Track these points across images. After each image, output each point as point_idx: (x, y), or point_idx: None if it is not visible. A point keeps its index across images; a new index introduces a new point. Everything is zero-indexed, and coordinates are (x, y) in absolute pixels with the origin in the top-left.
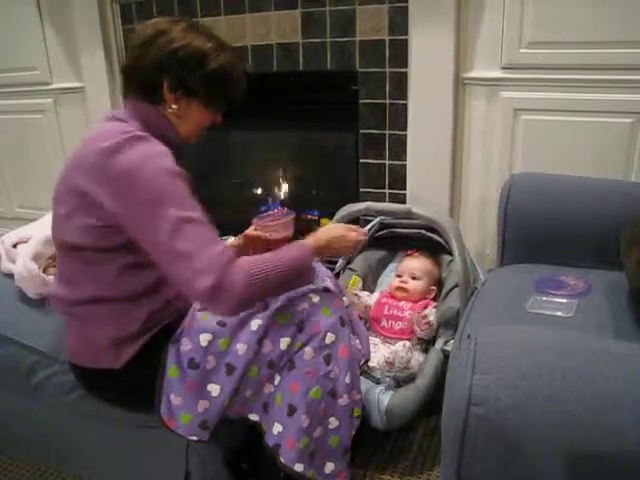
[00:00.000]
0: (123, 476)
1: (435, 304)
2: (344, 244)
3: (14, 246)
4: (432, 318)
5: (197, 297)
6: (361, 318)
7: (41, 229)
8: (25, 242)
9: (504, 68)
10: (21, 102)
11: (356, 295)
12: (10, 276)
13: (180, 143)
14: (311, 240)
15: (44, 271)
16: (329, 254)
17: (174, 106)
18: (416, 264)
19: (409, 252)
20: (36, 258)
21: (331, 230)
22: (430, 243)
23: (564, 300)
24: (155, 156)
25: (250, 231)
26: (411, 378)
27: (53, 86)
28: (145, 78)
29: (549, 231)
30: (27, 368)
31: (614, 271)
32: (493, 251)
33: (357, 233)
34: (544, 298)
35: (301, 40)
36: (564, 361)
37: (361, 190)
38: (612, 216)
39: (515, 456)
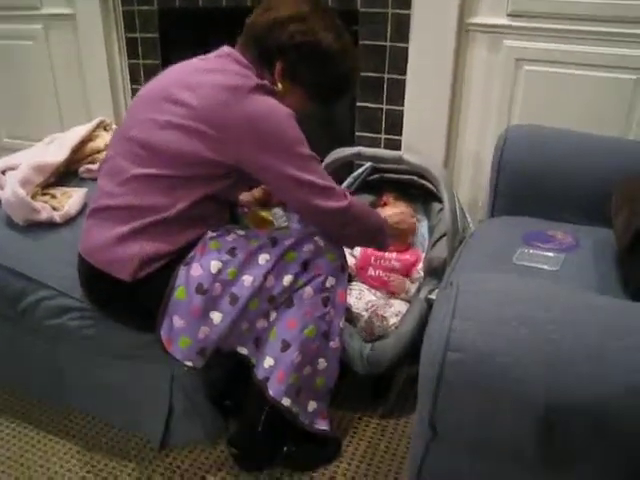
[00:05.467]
0: (107, 408)
1: (421, 265)
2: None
3: (2, 173)
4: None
5: (330, 212)
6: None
7: (30, 157)
8: (14, 169)
9: (510, 15)
10: (9, 27)
11: None
12: None
13: None
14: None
15: (32, 198)
16: (392, 234)
17: (279, 85)
18: (389, 212)
19: (382, 202)
20: (24, 184)
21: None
22: (421, 190)
23: (551, 254)
24: (279, 104)
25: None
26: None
27: (42, 11)
28: (265, 51)
29: (541, 184)
30: (15, 294)
31: (603, 228)
32: (485, 202)
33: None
34: (531, 251)
35: None
36: (544, 312)
37: (356, 134)
38: (606, 173)
39: (489, 406)
